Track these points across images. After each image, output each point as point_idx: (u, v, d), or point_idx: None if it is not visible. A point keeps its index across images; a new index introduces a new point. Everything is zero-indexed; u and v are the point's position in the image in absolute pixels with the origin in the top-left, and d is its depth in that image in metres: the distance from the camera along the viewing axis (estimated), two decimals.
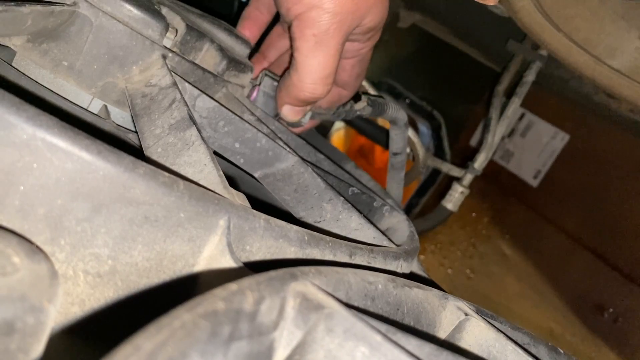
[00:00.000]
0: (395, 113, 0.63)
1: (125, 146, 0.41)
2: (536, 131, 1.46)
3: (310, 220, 0.42)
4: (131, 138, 0.42)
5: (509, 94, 0.99)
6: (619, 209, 1.31)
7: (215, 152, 0.44)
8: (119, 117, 0.44)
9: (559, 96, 1.16)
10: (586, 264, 1.36)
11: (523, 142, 1.47)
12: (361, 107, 0.60)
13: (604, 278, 1.34)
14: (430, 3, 1.04)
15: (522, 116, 1.33)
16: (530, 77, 0.89)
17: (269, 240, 0.28)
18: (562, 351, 0.39)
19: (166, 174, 0.25)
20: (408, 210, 1.31)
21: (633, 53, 0.68)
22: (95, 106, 0.43)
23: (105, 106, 0.43)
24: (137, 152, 0.38)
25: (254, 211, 0.27)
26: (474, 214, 1.46)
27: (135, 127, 0.37)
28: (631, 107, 0.82)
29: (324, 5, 0.47)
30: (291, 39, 0.51)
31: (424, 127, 1.51)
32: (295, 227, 0.29)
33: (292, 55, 0.51)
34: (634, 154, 1.21)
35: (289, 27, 0.51)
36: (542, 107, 1.40)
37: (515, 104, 0.90)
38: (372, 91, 0.71)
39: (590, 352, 1.30)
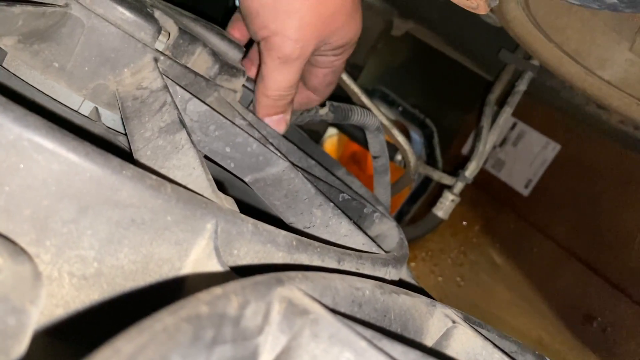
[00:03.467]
0: (362, 119, 0.64)
1: (114, 149, 0.41)
2: (527, 141, 1.47)
3: (299, 225, 0.42)
4: (121, 141, 0.42)
5: (501, 103, 0.99)
6: (609, 219, 1.31)
7: (205, 156, 0.43)
8: (110, 120, 0.43)
9: (550, 106, 1.17)
10: (576, 274, 1.37)
11: (514, 151, 1.48)
12: (324, 112, 0.61)
13: (593, 288, 1.34)
14: (423, 12, 1.05)
15: (513, 125, 1.34)
16: (522, 86, 0.90)
17: (257, 244, 0.27)
18: None
19: (153, 176, 0.25)
20: (399, 217, 1.31)
21: (623, 65, 0.69)
22: (86, 108, 0.43)
23: (96, 108, 0.43)
24: (126, 154, 0.38)
25: (242, 215, 0.27)
26: (464, 222, 1.46)
27: (125, 129, 0.37)
28: (621, 118, 0.82)
29: (286, 32, 0.51)
30: (259, 53, 0.55)
31: (416, 135, 1.52)
32: (283, 232, 0.29)
33: (259, 65, 0.55)
34: (624, 165, 1.22)
35: (258, 44, 0.56)
36: (534, 116, 1.41)
37: (506, 113, 0.90)
38: (364, 98, 0.71)
39: None
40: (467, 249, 1.54)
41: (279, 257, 0.28)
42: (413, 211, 1.36)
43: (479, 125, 0.93)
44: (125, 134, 0.38)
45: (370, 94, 1.38)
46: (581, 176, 1.35)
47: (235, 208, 0.30)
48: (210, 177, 0.31)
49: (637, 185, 1.23)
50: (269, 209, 0.48)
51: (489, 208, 1.51)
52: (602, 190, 1.31)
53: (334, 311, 0.22)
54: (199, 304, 0.16)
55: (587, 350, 1.30)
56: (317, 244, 0.31)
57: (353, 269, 0.33)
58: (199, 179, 0.30)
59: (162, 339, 0.13)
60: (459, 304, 1.44)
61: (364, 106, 0.71)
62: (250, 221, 0.28)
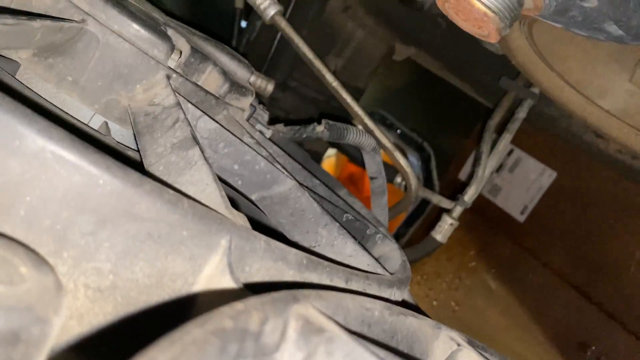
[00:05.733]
0: (358, 139, 0.64)
1: (128, 162, 0.41)
2: (524, 167, 1.48)
3: (305, 244, 0.43)
4: (131, 155, 0.43)
5: (500, 129, 1.01)
6: (603, 248, 1.32)
7: None
8: (119, 134, 0.44)
9: (548, 134, 1.18)
10: (570, 301, 1.37)
11: (511, 177, 1.49)
12: (320, 130, 0.62)
13: (587, 315, 1.34)
14: (425, 38, 1.06)
15: (510, 152, 1.35)
16: (521, 114, 0.91)
17: (269, 262, 0.28)
18: None
19: (171, 191, 0.25)
20: (396, 239, 1.31)
21: (623, 95, 0.70)
22: (96, 122, 0.43)
23: (106, 122, 0.43)
24: (138, 169, 0.38)
25: (255, 232, 0.28)
26: (460, 247, 1.47)
27: (137, 144, 0.37)
28: (619, 147, 0.83)
29: None
30: None
31: (413, 158, 1.53)
32: (294, 250, 0.29)
33: None
34: (620, 194, 1.23)
35: None
36: (531, 143, 1.42)
37: (506, 140, 0.91)
38: (367, 120, 0.72)
39: None
40: (463, 274, 1.54)
41: (289, 275, 0.28)
42: (410, 234, 1.36)
43: (478, 150, 0.94)
44: (136, 150, 0.38)
45: (369, 116, 1.39)
46: (577, 204, 1.36)
47: (248, 225, 0.30)
48: (224, 193, 0.31)
49: (633, 214, 1.24)
50: (272, 227, 0.48)
51: (485, 233, 1.51)
52: (597, 219, 1.32)
53: (346, 330, 0.23)
54: (223, 317, 0.16)
55: None
56: (326, 263, 0.32)
57: (360, 289, 0.34)
58: (213, 195, 0.31)
59: (193, 351, 0.14)
60: (454, 328, 1.43)
61: (366, 128, 0.71)
62: (263, 238, 0.28)
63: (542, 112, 0.96)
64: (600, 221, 1.32)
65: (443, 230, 0.92)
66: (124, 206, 0.24)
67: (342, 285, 0.33)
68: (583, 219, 1.35)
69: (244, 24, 1.03)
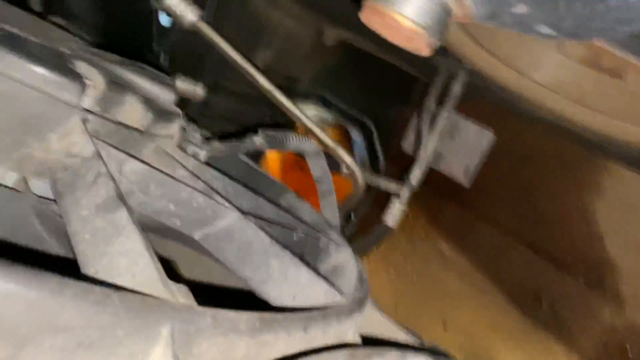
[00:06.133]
0: (299, 145, 0.63)
1: (49, 222, 0.38)
2: (464, 133, 1.50)
3: (257, 279, 0.41)
4: (55, 210, 0.39)
5: (438, 102, 1.00)
6: (547, 203, 1.37)
7: (149, 217, 0.41)
8: (40, 187, 0.40)
9: (485, 101, 1.19)
10: (521, 257, 1.42)
11: (452, 144, 1.51)
12: (259, 142, 0.60)
13: (539, 269, 1.40)
14: (354, 21, 1.04)
15: (450, 119, 1.36)
16: (456, 89, 0.91)
17: (218, 337, 0.26)
18: None
19: (98, 288, 0.22)
20: (346, 220, 1.31)
21: (554, 66, 0.70)
22: (11, 178, 0.39)
23: (24, 178, 0.39)
24: (63, 232, 0.35)
25: (199, 309, 0.26)
26: (411, 218, 1.48)
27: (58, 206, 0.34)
28: (554, 115, 0.85)
29: None
30: None
31: (356, 135, 1.52)
32: (245, 316, 0.27)
33: None
34: (558, 152, 1.27)
35: None
36: (469, 110, 1.44)
37: (444, 116, 0.91)
38: (306, 120, 0.70)
39: (533, 341, 1.35)
40: (416, 243, 1.56)
41: (242, 346, 0.27)
42: (359, 216, 1.36)
43: (418, 129, 0.94)
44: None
45: (306, 97, 1.37)
46: (518, 164, 1.40)
47: (191, 298, 0.28)
48: (159, 264, 0.29)
49: (570, 170, 1.29)
50: None
51: (433, 201, 1.54)
52: (539, 176, 1.37)
53: None
54: None
55: (538, 328, 1.36)
56: (280, 317, 0.30)
57: (320, 333, 0.32)
58: (148, 269, 0.28)
59: None
60: (415, 300, 1.46)
61: (306, 128, 0.69)
62: (209, 313, 0.26)
63: (477, 84, 0.97)
64: (542, 178, 1.36)
65: (393, 215, 0.92)
66: (45, 319, 0.21)
67: (300, 334, 0.31)
68: (525, 178, 1.39)
69: (167, 22, 0.98)
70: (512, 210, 1.42)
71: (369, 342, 0.36)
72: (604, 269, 1.31)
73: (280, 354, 0.28)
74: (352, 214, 1.32)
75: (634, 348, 1.26)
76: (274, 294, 0.39)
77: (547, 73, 0.71)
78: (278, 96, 0.68)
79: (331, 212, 0.67)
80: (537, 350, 1.36)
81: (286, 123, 1.07)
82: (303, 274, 0.40)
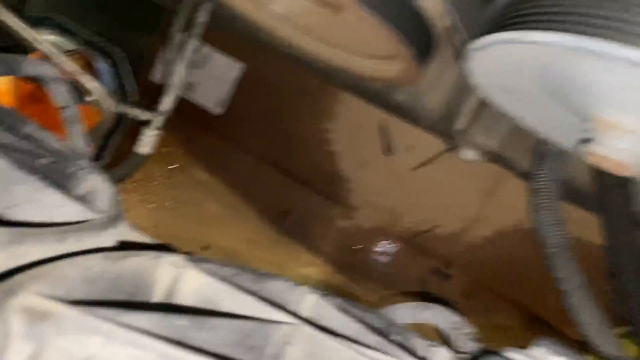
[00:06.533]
0: (36, 69, 0.60)
1: None
2: (214, 63, 1.54)
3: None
4: None
5: (185, 31, 1.02)
6: (293, 127, 1.52)
7: None
8: None
9: (231, 32, 1.24)
10: (271, 178, 1.56)
11: (203, 73, 1.54)
12: None
13: (286, 187, 1.56)
14: None
15: (199, 49, 1.38)
16: (202, 18, 0.94)
17: None
18: (264, 272, 0.46)
19: None
20: (99, 156, 1.26)
21: (287, 0, 0.78)
22: None
23: None
24: None
25: None
26: (165, 147, 1.50)
27: None
28: (290, 46, 0.93)
29: None
30: None
31: (103, 65, 1.44)
32: None
33: None
34: (300, 81, 1.41)
35: None
36: (218, 40, 1.48)
37: (192, 45, 0.93)
38: (42, 46, 0.66)
39: (286, 250, 1.53)
40: (173, 173, 1.59)
41: None
42: (113, 147, 1.32)
43: (167, 57, 0.95)
44: None
45: (40, 22, 1.24)
46: (267, 92, 1.51)
47: None
48: None
49: (311, 97, 1.45)
50: None
51: (187, 131, 1.57)
52: (285, 102, 1.50)
53: (72, 301, 0.24)
54: None
55: (287, 239, 1.53)
56: (34, 230, 0.31)
57: (76, 246, 0.34)
58: None
59: None
60: (176, 226, 1.50)
61: (43, 53, 0.65)
62: None
63: (221, 13, 1.00)
64: (287, 104, 1.50)
65: (144, 142, 0.93)
66: None
67: (54, 245, 0.33)
68: (273, 105, 1.51)
69: None
70: (262, 135, 1.54)
71: (127, 248, 0.40)
72: (339, 183, 1.53)
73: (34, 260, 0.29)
74: (106, 144, 1.28)
75: (361, 245, 1.52)
76: (22, 217, 0.39)
77: (282, 5, 0.79)
78: (5, 15, 0.62)
79: (78, 140, 0.66)
80: (291, 258, 1.53)
81: (16, 50, 0.97)
82: (52, 196, 0.41)
